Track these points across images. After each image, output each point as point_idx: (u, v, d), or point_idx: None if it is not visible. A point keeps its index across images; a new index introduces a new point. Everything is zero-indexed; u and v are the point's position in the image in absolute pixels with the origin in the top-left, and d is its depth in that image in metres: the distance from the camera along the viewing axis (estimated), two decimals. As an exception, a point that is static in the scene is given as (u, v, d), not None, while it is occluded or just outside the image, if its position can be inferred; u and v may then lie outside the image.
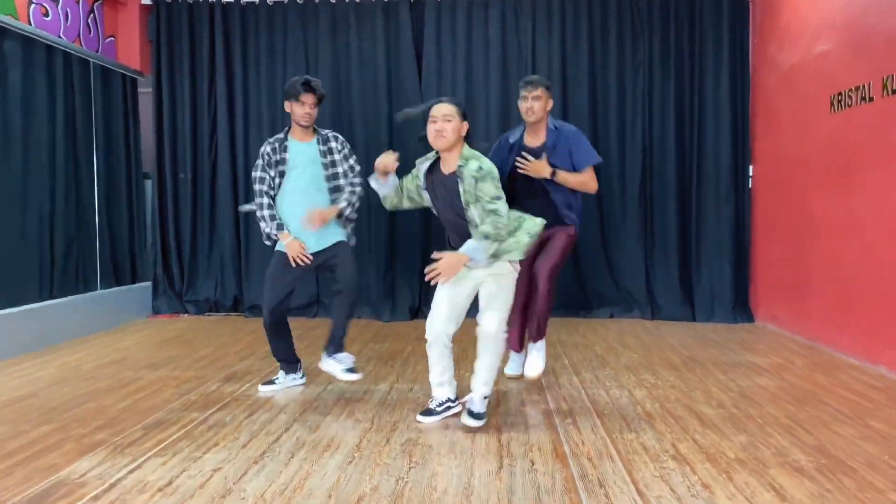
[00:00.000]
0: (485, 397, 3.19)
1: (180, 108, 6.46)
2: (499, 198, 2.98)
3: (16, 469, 2.66)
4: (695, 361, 4.47)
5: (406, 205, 3.32)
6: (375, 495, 2.41)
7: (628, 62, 6.20)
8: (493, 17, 6.23)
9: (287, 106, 3.63)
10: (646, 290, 6.21)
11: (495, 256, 3.07)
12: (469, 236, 3.03)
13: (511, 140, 3.82)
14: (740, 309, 6.01)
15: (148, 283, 6.50)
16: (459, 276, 3.14)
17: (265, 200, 3.60)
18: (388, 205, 3.37)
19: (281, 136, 3.68)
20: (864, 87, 4.33)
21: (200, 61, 6.43)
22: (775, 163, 5.66)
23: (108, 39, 6.13)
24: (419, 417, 3.25)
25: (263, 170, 3.62)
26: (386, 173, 3.21)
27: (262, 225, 3.62)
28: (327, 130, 3.79)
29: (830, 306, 4.78)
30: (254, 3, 6.38)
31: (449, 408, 3.30)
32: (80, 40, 5.67)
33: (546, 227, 3.31)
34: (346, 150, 3.75)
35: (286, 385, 3.83)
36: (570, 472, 2.61)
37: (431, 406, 3.29)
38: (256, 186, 3.62)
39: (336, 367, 3.63)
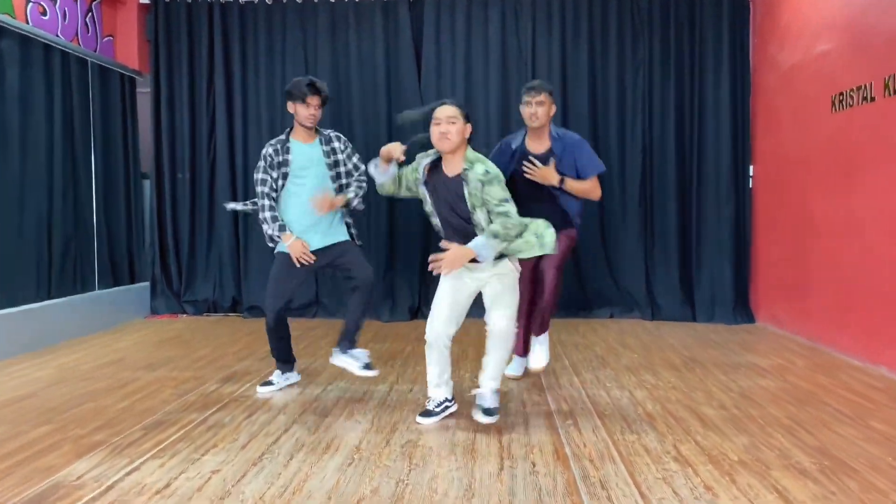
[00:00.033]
0: (495, 391, 3.20)
1: (179, 108, 6.44)
2: (507, 200, 2.98)
3: (13, 470, 2.63)
4: (695, 362, 4.45)
5: (403, 194, 3.28)
6: (375, 497, 2.39)
7: (628, 62, 6.18)
8: (492, 16, 6.22)
9: (290, 107, 3.60)
10: (646, 290, 6.19)
11: (503, 256, 3.06)
12: (468, 236, 3.02)
13: (513, 145, 3.78)
14: (741, 309, 6.00)
15: (146, 284, 6.48)
16: (461, 277, 3.14)
17: (267, 202, 3.57)
18: (382, 191, 3.31)
19: (282, 137, 3.65)
20: (865, 86, 4.32)
21: (199, 61, 6.41)
22: (776, 163, 5.65)
23: (106, 39, 6.10)
24: (418, 419, 3.23)
25: (265, 171, 3.58)
26: (389, 161, 3.18)
27: (265, 227, 3.59)
28: (329, 130, 3.76)
29: (831, 306, 4.77)
30: (252, 2, 6.35)
31: (447, 408, 3.29)
32: (78, 39, 5.65)
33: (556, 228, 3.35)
34: (349, 150, 3.74)
35: (283, 385, 3.82)
36: (572, 474, 2.59)
37: (430, 407, 3.27)
38: (258, 188, 3.59)
39: (352, 363, 3.63)
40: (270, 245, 3.68)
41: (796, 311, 5.27)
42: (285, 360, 3.84)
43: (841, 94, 4.59)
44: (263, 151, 3.61)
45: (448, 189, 3.06)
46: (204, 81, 6.41)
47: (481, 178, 2.96)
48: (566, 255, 3.77)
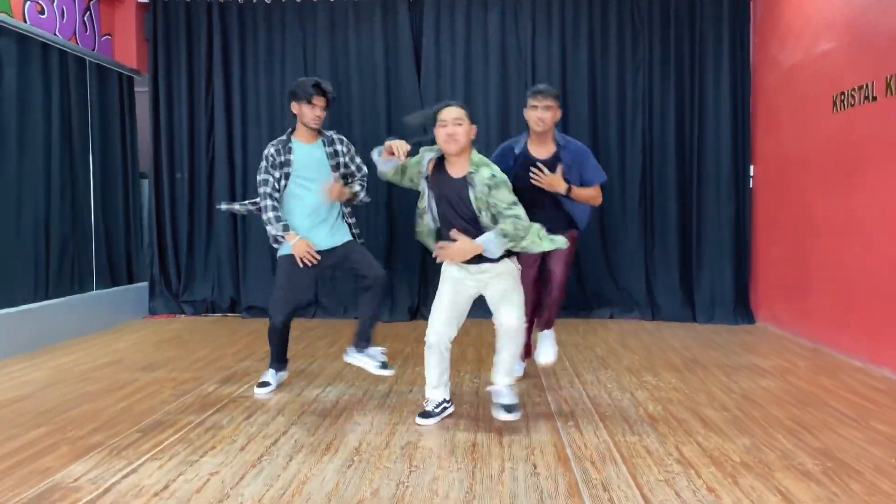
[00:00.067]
0: (511, 387, 3.22)
1: (177, 108, 6.41)
2: (516, 203, 2.99)
3: (9, 472, 2.61)
4: (696, 363, 4.44)
5: (405, 184, 3.24)
6: (375, 500, 2.37)
7: (628, 62, 6.17)
8: (492, 16, 6.20)
9: (295, 107, 3.57)
10: (646, 290, 6.18)
11: (504, 255, 3.06)
12: (468, 236, 3.01)
13: (516, 150, 3.73)
14: (741, 310, 5.98)
15: (144, 284, 6.45)
16: (461, 279, 3.12)
17: (270, 202, 3.53)
18: (384, 178, 3.27)
19: (284, 137, 3.62)
20: (867, 86, 4.30)
21: (198, 60, 6.38)
22: (776, 163, 5.63)
23: (104, 38, 6.08)
24: (418, 419, 3.21)
25: (267, 172, 3.54)
26: (392, 154, 3.13)
27: (269, 228, 3.55)
28: (331, 132, 3.74)
29: (831, 307, 4.75)
30: (251, 1, 6.33)
31: (445, 409, 3.28)
32: (76, 38, 5.63)
33: (552, 228, 3.35)
34: (351, 152, 3.73)
35: (278, 383, 3.82)
36: (574, 476, 2.57)
37: (429, 408, 3.26)
38: (261, 189, 3.55)
39: (368, 362, 3.63)
40: (275, 246, 3.64)
41: (797, 311, 5.26)
42: (282, 360, 3.84)
43: (842, 93, 4.57)
44: (265, 152, 3.57)
45: (452, 190, 3.04)
46: (203, 81, 6.39)
47: (488, 182, 2.95)
48: (573, 251, 3.77)
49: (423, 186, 3.15)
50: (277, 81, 6.34)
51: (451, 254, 2.98)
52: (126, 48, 6.29)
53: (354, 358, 3.67)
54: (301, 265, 3.51)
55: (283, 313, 3.61)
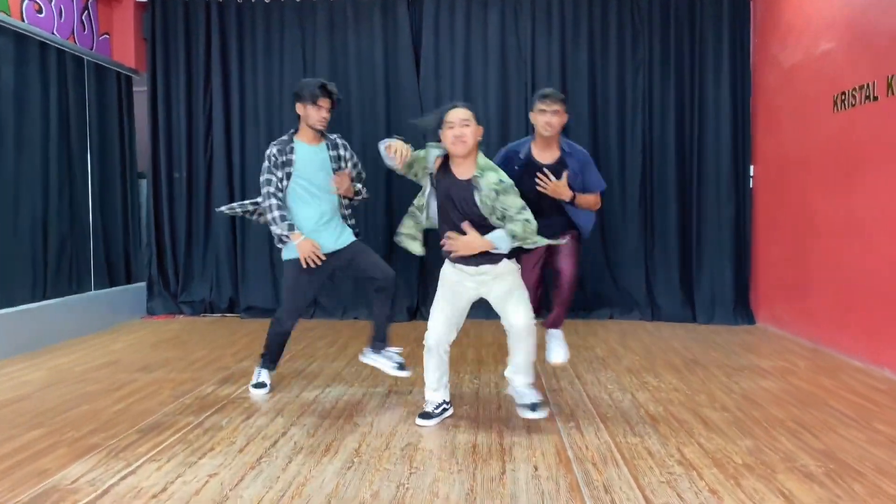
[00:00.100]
0: (530, 385, 3.21)
1: (175, 107, 6.40)
2: (524, 207, 2.99)
3: (7, 474, 2.59)
4: (697, 363, 4.42)
5: (409, 176, 3.18)
6: (376, 502, 2.35)
7: (628, 62, 6.15)
8: (492, 15, 6.18)
9: (299, 108, 3.55)
10: (646, 290, 6.17)
11: (504, 256, 3.05)
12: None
13: (521, 154, 3.67)
14: (741, 310, 5.97)
15: (142, 284, 6.43)
16: (461, 281, 3.11)
17: (274, 202, 3.48)
18: (388, 166, 3.26)
19: (286, 137, 3.59)
20: (868, 86, 4.29)
21: (196, 59, 6.36)
22: (776, 163, 5.62)
23: (102, 37, 6.05)
24: (418, 420, 3.20)
25: (270, 171, 3.50)
26: (394, 152, 3.06)
27: (273, 228, 3.51)
28: (335, 136, 3.72)
29: (831, 307, 4.74)
30: (250, 0, 6.31)
31: (445, 410, 3.27)
32: (74, 38, 5.60)
33: (554, 233, 3.40)
34: (354, 158, 3.74)
35: (270, 381, 3.80)
36: (575, 478, 2.55)
37: (428, 409, 3.24)
38: (264, 189, 3.51)
39: (385, 363, 3.67)
40: (279, 246, 3.58)
41: (797, 311, 5.25)
42: (276, 361, 3.85)
43: (843, 93, 4.56)
44: (267, 151, 3.54)
45: (457, 191, 3.01)
46: (201, 80, 6.37)
47: (495, 187, 2.94)
48: (580, 249, 3.76)
49: (427, 183, 3.12)
50: (276, 81, 6.32)
51: (460, 245, 2.96)
52: (124, 47, 6.27)
53: (371, 359, 3.71)
54: (305, 265, 3.48)
55: (294, 318, 3.62)
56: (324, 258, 3.50)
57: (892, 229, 4.09)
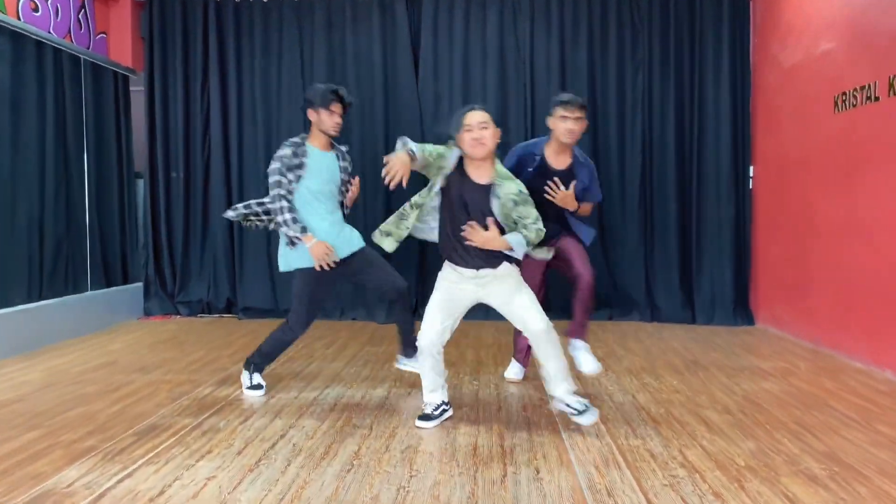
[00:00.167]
0: (573, 392, 3.14)
1: (173, 107, 6.36)
2: (539, 217, 3.03)
3: (1, 478, 2.55)
4: (697, 365, 4.40)
5: (423, 172, 3.03)
6: (376, 505, 2.33)
7: (628, 62, 6.13)
8: (491, 15, 6.16)
9: (312, 114, 3.51)
10: (645, 291, 6.14)
11: (504, 258, 3.07)
12: (478, 249, 2.98)
13: (536, 155, 3.61)
14: (741, 311, 5.95)
15: (139, 284, 6.40)
16: (461, 282, 3.07)
17: (285, 203, 3.44)
18: None
19: (298, 140, 3.55)
20: (869, 86, 4.27)
21: (193, 59, 6.33)
22: (776, 163, 5.61)
23: (99, 36, 6.02)
24: (418, 422, 3.17)
25: (281, 173, 3.45)
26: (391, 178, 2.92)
27: (284, 229, 3.45)
28: (344, 147, 3.75)
29: (832, 307, 4.73)
30: (248, -1, 6.29)
31: (444, 411, 3.24)
32: (70, 37, 5.57)
33: (555, 235, 3.45)
34: (350, 168, 3.76)
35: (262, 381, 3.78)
36: (577, 481, 2.53)
37: (428, 411, 3.21)
38: (274, 190, 3.46)
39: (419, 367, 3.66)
40: (289, 248, 3.52)
41: (797, 312, 5.23)
42: (267, 367, 3.85)
43: (844, 93, 4.54)
44: (279, 152, 3.48)
45: (473, 195, 2.98)
46: (198, 80, 6.33)
47: (514, 197, 2.96)
48: (586, 249, 3.73)
49: (437, 182, 3.02)
50: (274, 81, 6.29)
51: (480, 238, 2.94)
52: (121, 47, 6.23)
53: (407, 365, 3.74)
54: (318, 269, 3.44)
55: (304, 327, 3.60)
56: (337, 259, 3.48)
57: (892, 229, 4.08)
